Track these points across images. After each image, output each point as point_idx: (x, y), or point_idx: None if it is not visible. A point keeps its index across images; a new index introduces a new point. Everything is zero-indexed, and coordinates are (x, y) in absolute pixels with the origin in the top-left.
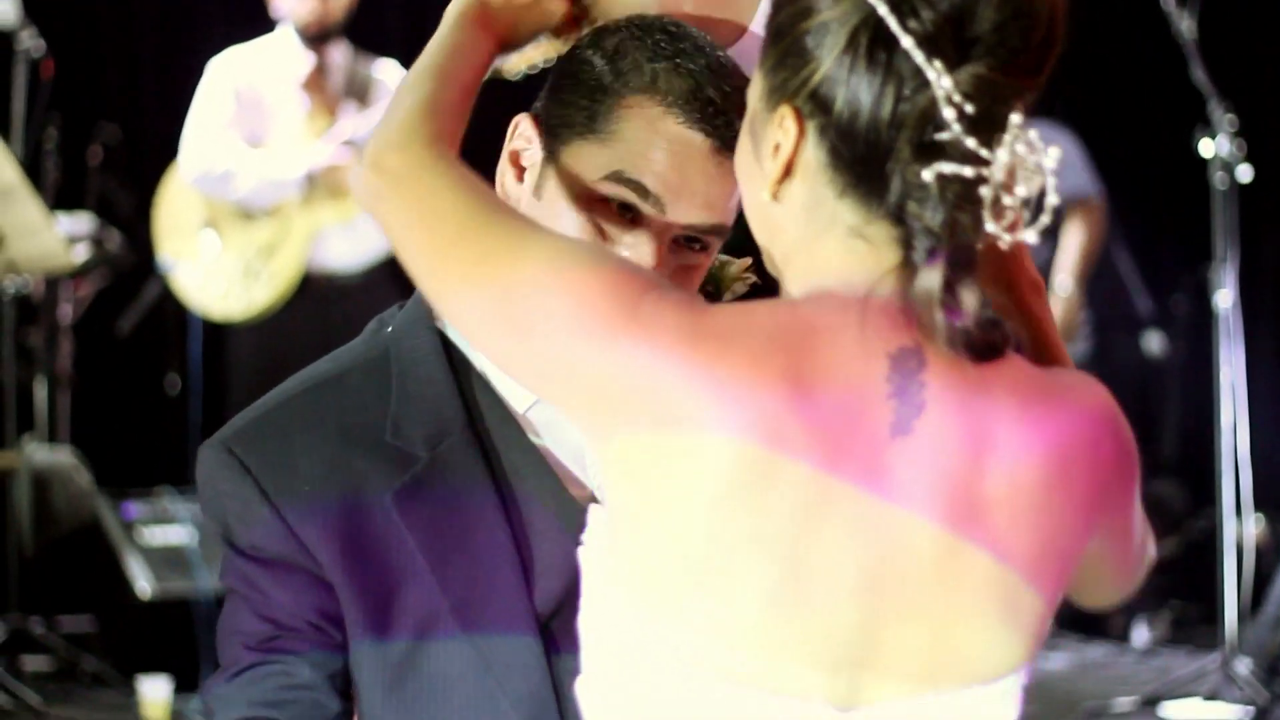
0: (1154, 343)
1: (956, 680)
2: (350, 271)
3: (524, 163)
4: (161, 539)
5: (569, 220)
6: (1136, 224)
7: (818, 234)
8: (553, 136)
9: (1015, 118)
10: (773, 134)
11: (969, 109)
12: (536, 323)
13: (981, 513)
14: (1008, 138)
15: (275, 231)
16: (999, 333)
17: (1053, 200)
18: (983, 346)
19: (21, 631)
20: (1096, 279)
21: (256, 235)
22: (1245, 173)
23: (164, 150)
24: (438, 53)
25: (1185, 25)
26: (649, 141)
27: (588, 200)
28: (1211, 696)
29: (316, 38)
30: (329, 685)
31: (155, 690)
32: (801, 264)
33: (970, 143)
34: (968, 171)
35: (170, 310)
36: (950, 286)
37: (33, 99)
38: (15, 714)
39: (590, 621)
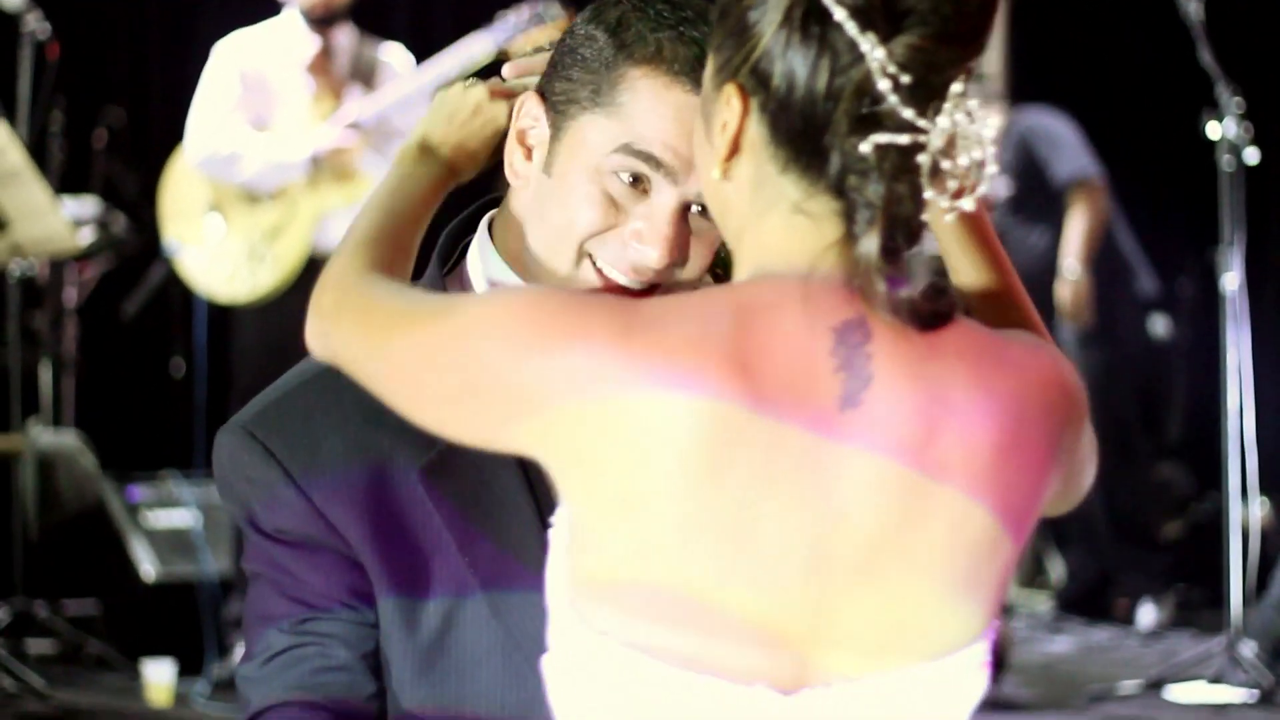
0: (1160, 326)
1: (912, 656)
2: None
3: (531, 141)
4: (166, 522)
5: (580, 194)
6: (1143, 206)
7: (763, 211)
8: (559, 113)
9: (955, 87)
10: (720, 112)
11: (904, 79)
12: (479, 364)
13: (937, 481)
14: (947, 106)
15: (280, 214)
16: (945, 300)
17: (991, 170)
18: (928, 315)
19: (26, 615)
20: (1102, 262)
21: (262, 218)
22: (1252, 155)
23: (169, 133)
24: (381, 188)
25: (1193, 8)
26: (657, 111)
27: (598, 174)
28: (1216, 680)
29: (322, 20)
30: (364, 666)
31: (160, 673)
32: (750, 242)
33: (907, 113)
34: (903, 140)
35: (175, 293)
36: (892, 256)
37: (38, 82)
38: (20, 697)
39: (550, 601)
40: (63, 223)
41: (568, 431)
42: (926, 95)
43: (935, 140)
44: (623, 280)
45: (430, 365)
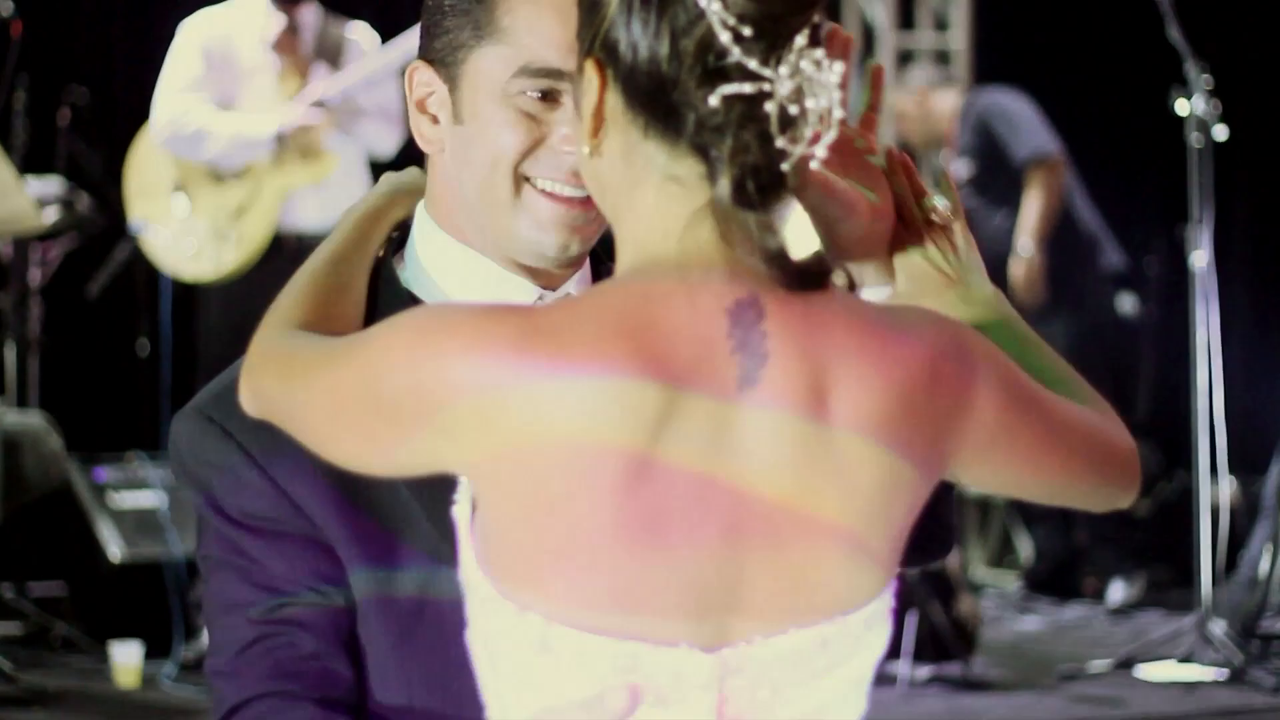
0: (1128, 303)
1: (819, 614)
2: (320, 233)
3: (433, 108)
4: (132, 503)
5: (497, 122)
6: (1111, 183)
7: (636, 182)
8: (449, 65)
9: (799, 40)
10: (584, 90)
11: (745, 31)
12: (383, 387)
13: (829, 451)
14: (791, 56)
15: (246, 193)
16: (819, 260)
17: (838, 114)
18: (798, 272)
19: None
20: (1070, 239)
21: (227, 197)
22: (1221, 132)
23: (134, 112)
24: (318, 251)
25: None
26: (540, 19)
27: (506, 98)
28: (1186, 658)
29: None
30: (337, 652)
31: (127, 655)
32: (627, 216)
33: (751, 63)
34: (748, 88)
35: (140, 273)
36: (745, 203)
37: (1, 60)
38: None
39: (465, 577)
40: (27, 202)
41: (474, 436)
42: (769, 46)
43: (781, 88)
44: (567, 191)
45: (343, 400)
